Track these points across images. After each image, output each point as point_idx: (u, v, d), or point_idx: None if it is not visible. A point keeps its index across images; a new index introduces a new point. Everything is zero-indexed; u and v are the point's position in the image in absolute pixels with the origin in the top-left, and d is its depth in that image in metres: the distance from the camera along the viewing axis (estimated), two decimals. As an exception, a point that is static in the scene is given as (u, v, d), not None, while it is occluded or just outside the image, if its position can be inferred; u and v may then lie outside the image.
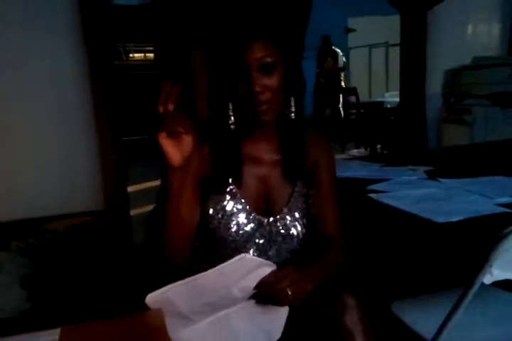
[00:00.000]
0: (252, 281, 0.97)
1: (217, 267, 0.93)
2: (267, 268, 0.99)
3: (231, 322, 0.99)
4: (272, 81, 1.14)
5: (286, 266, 1.05)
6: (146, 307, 0.95)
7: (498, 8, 4.28)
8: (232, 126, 1.19)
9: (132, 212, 2.98)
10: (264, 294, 1.00)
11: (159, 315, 0.88)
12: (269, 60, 1.13)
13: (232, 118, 1.18)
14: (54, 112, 2.63)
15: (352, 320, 1.05)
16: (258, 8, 1.24)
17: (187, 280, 0.93)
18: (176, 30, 2.84)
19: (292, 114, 1.22)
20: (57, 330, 0.89)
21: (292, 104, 1.21)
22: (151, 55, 7.71)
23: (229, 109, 1.18)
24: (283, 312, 1.03)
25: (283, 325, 1.04)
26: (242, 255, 0.96)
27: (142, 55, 8.04)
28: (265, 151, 1.25)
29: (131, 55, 8.05)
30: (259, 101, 1.13)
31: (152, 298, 0.92)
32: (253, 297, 1.00)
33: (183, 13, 2.84)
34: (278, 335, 1.05)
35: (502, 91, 3.78)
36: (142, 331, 0.89)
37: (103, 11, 2.68)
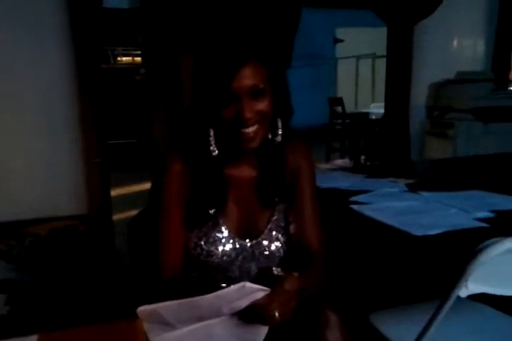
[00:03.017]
0: (243, 303, 0.97)
1: (216, 293, 0.94)
2: (261, 293, 0.98)
3: (211, 330, 1.00)
4: (261, 105, 1.09)
5: (281, 283, 0.98)
6: (127, 314, 0.96)
7: (483, 24, 4.36)
8: (214, 153, 1.14)
9: (114, 217, 2.96)
10: (252, 313, 0.97)
11: (140, 324, 0.89)
12: (260, 86, 1.08)
13: (214, 144, 1.13)
14: (39, 115, 2.62)
15: (334, 336, 1.06)
16: (244, 31, 1.18)
17: (182, 301, 0.93)
18: (166, 35, 2.84)
19: (279, 137, 1.17)
20: (34, 337, 0.89)
21: (279, 127, 1.17)
22: (138, 59, 7.70)
23: (209, 136, 1.13)
24: (264, 326, 1.03)
25: (262, 337, 1.03)
26: (242, 284, 0.95)
27: (130, 58, 8.02)
28: (245, 174, 1.22)
29: (119, 58, 8.03)
30: (248, 126, 1.09)
31: (142, 311, 0.93)
32: (238, 314, 0.99)
33: (174, 18, 2.84)
34: None
35: (485, 106, 3.84)
36: (122, 339, 0.89)
37: (93, 14, 2.67)
